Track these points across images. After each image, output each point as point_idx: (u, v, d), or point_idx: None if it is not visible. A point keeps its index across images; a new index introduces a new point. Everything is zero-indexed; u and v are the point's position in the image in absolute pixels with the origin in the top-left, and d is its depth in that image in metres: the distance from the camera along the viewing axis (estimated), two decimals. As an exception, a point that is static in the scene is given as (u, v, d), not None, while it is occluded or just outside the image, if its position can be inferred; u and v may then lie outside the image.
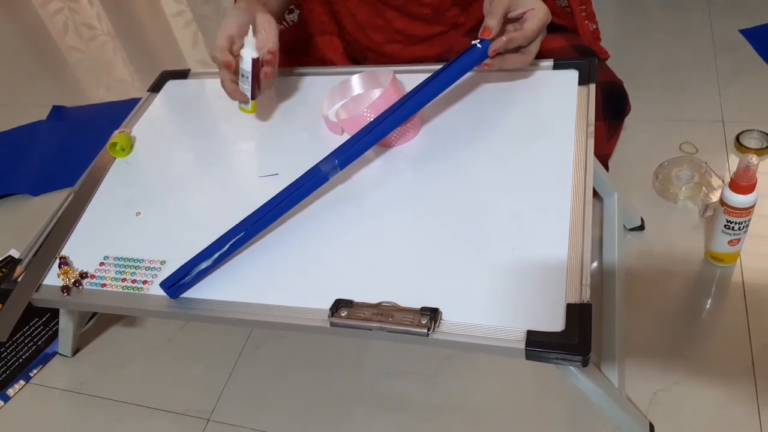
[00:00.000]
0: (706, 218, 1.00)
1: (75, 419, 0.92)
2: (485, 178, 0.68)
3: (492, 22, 0.67)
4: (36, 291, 0.70)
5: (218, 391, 0.92)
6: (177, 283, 0.63)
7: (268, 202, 0.66)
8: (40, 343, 1.04)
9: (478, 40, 0.68)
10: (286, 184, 0.67)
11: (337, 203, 0.69)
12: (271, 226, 0.68)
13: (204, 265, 0.63)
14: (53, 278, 0.70)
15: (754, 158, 0.79)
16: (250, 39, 0.71)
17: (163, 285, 0.64)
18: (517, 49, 0.70)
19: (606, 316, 0.83)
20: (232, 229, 0.65)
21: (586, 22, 0.93)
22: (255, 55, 0.71)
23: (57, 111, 1.67)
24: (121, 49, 2.00)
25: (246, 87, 0.73)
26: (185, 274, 0.63)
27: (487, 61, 0.70)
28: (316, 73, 0.90)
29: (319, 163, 0.67)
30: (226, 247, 0.64)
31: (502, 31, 0.70)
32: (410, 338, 0.55)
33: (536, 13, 0.68)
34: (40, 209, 1.35)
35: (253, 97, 0.74)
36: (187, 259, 0.64)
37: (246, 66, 0.71)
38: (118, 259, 0.70)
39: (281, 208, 0.66)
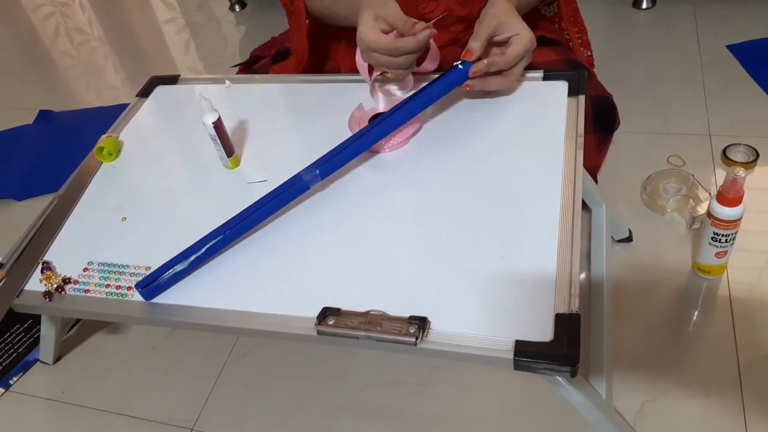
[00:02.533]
0: (693, 230, 1.01)
1: (56, 428, 0.90)
2: (474, 187, 0.67)
3: (475, 45, 0.68)
4: (17, 296, 0.68)
5: (203, 400, 0.90)
6: (151, 284, 0.63)
7: (248, 207, 0.66)
8: (20, 350, 1.02)
9: (460, 62, 0.70)
10: (275, 191, 0.67)
11: (325, 211, 0.69)
12: (259, 233, 0.67)
13: (179, 268, 0.63)
14: (35, 284, 0.69)
15: (741, 171, 0.80)
16: (204, 105, 0.72)
17: (138, 286, 0.63)
18: (500, 72, 0.71)
19: (594, 327, 0.83)
20: (210, 233, 0.65)
21: (582, 49, 0.94)
22: (214, 118, 0.72)
23: (44, 115, 1.66)
24: (112, 54, 1.99)
25: (218, 148, 0.75)
26: (159, 276, 0.63)
27: (469, 82, 0.71)
28: (305, 80, 0.90)
29: (300, 171, 0.68)
30: (203, 250, 0.63)
31: (486, 54, 0.71)
32: (398, 347, 0.55)
33: (521, 39, 0.69)
34: (24, 214, 1.33)
35: (229, 155, 0.76)
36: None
37: (210, 131, 0.73)
38: (103, 264, 0.69)
39: (261, 213, 0.66)
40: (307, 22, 0.88)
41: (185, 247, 0.64)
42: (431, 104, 0.71)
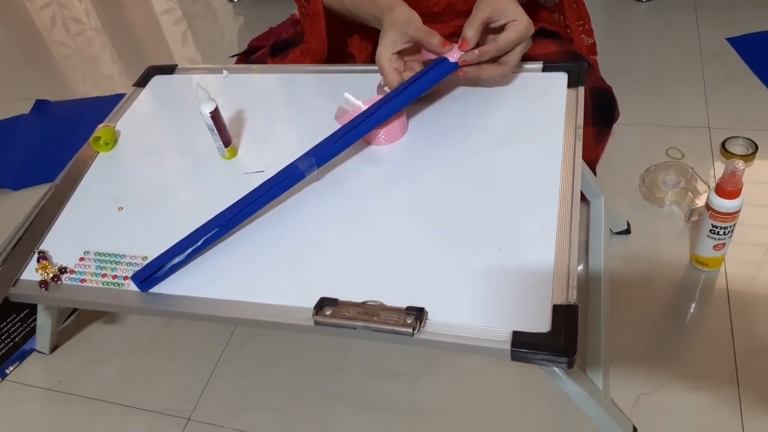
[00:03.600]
0: (691, 223, 1.01)
1: (52, 418, 0.90)
2: (473, 178, 0.67)
3: (469, 34, 0.67)
4: (13, 285, 0.68)
5: (200, 389, 0.90)
6: (149, 278, 0.62)
7: (243, 197, 0.66)
8: (17, 339, 1.01)
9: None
10: (272, 181, 0.66)
11: (324, 202, 0.68)
12: (256, 224, 0.67)
13: (177, 260, 0.62)
14: (31, 273, 0.69)
15: (740, 163, 0.79)
16: (201, 94, 0.71)
17: (135, 278, 0.63)
18: (496, 60, 0.70)
19: (591, 319, 0.83)
20: (205, 224, 0.64)
21: (583, 36, 0.93)
22: (212, 107, 0.72)
23: (40, 105, 1.65)
24: (109, 45, 1.98)
25: (215, 138, 0.75)
26: (157, 269, 0.62)
27: (462, 69, 0.70)
28: (303, 71, 0.89)
29: (296, 160, 0.67)
30: (199, 242, 0.63)
31: (482, 41, 0.70)
32: (395, 338, 0.55)
33: (516, 25, 0.67)
34: (21, 204, 1.33)
35: (226, 145, 0.76)
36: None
37: (207, 121, 0.72)
38: (99, 254, 0.69)
39: (256, 204, 0.66)
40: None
41: (182, 237, 0.64)
42: (426, 91, 0.71)
